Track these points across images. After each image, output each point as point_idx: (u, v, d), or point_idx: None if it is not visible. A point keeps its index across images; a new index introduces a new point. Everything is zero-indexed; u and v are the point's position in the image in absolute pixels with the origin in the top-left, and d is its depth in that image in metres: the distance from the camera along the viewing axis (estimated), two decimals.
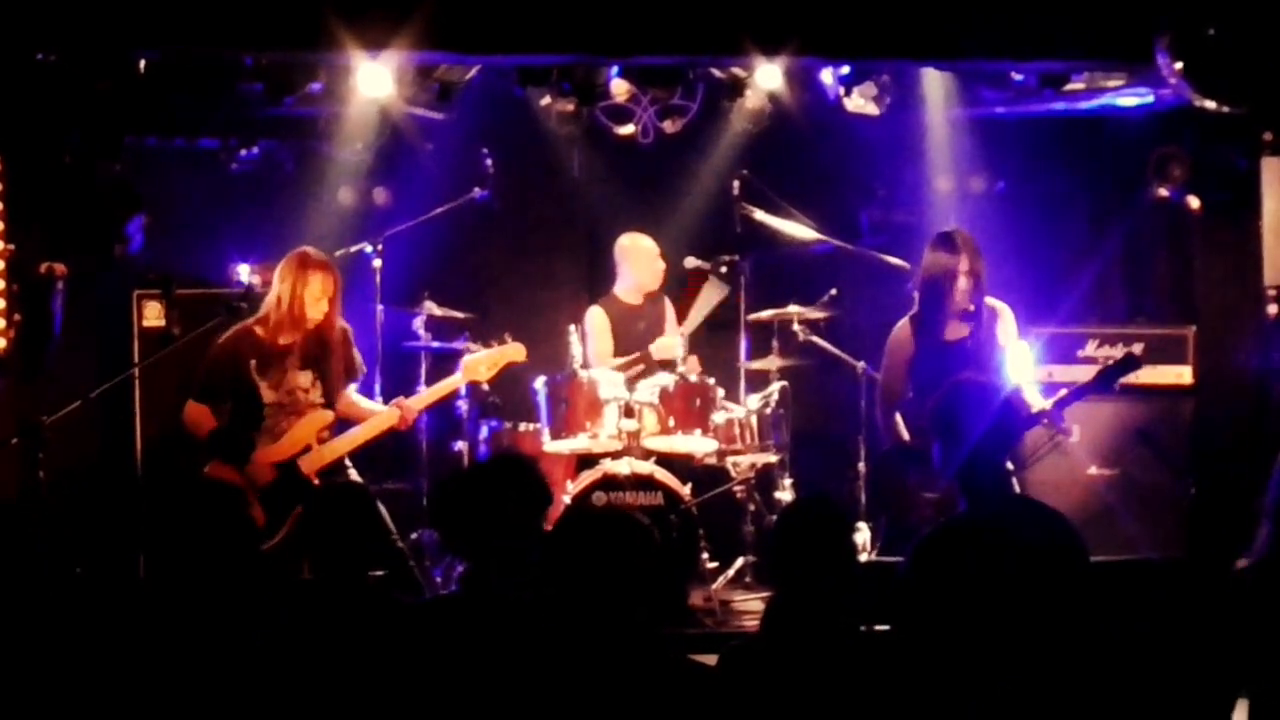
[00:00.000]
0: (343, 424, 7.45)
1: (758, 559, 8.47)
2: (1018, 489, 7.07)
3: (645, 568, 3.96)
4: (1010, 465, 7.06)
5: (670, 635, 7.38)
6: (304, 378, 7.32)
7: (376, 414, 7.47)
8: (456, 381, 7.79)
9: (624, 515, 4.12)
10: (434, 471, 8.51)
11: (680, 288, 9.18)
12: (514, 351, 7.89)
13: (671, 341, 8.68)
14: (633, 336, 8.93)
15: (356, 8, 7.20)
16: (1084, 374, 8.21)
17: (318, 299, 7.27)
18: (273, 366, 7.28)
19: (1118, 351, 8.41)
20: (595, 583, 3.90)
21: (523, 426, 8.43)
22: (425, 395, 7.73)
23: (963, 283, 7.10)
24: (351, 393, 7.53)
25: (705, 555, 8.03)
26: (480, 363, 7.79)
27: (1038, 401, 7.15)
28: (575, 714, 3.83)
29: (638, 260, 8.96)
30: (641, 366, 8.66)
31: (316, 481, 7.20)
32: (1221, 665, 4.67)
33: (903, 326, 7.27)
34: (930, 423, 4.93)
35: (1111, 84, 8.64)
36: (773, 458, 8.64)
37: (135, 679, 4.24)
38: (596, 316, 8.97)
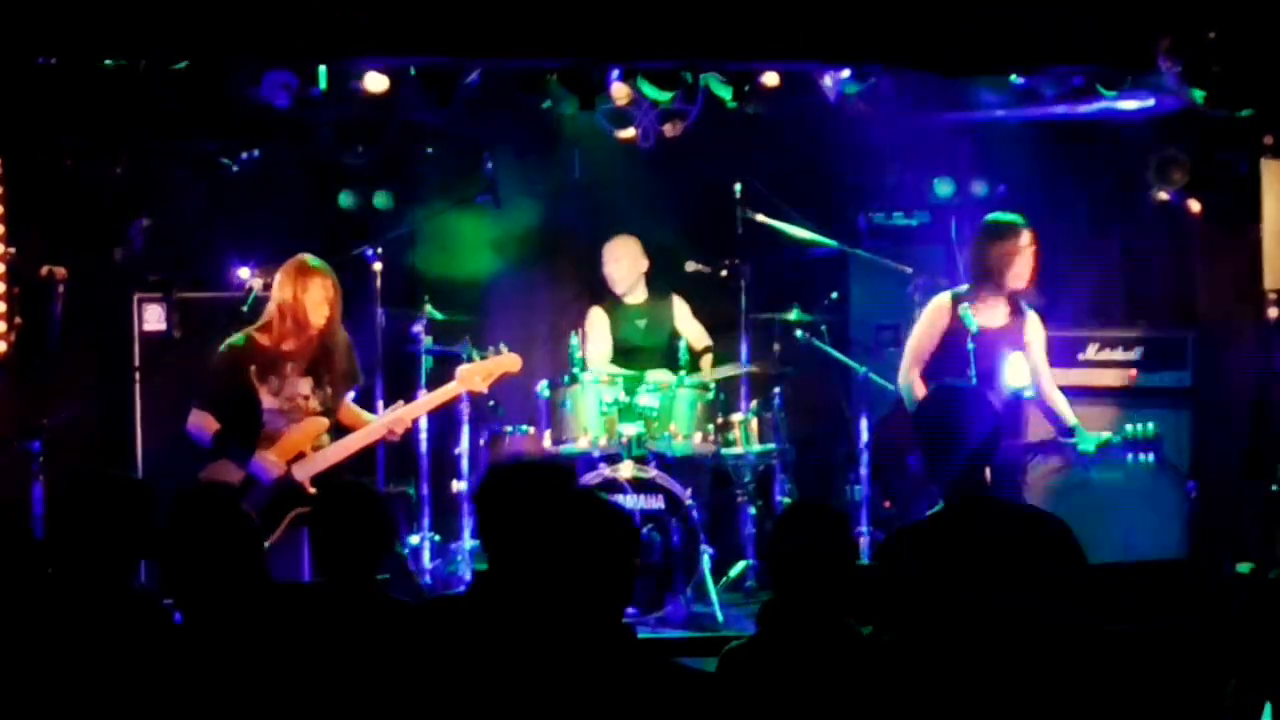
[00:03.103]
0: (340, 431, 7.46)
1: (759, 562, 8.47)
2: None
3: (612, 547, 3.92)
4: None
5: (670, 638, 7.44)
6: (304, 385, 7.35)
7: (368, 425, 7.48)
8: (450, 391, 7.78)
9: (593, 497, 4.09)
10: (434, 475, 8.50)
11: (683, 289, 9.18)
12: (509, 362, 7.88)
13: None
14: (635, 337, 8.94)
15: (357, 10, 7.20)
16: (1083, 377, 8.27)
17: (318, 304, 7.29)
18: (273, 373, 7.30)
19: (1119, 355, 8.45)
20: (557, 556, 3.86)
21: (523, 430, 8.42)
22: (417, 405, 7.73)
23: (1020, 264, 7.53)
24: (348, 401, 7.55)
25: (706, 558, 8.02)
26: (475, 372, 7.78)
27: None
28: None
29: (608, 260, 9.00)
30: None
31: (310, 488, 7.22)
32: (1224, 666, 4.67)
33: (944, 298, 7.63)
34: (914, 428, 4.94)
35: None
36: (774, 461, 8.65)
37: (137, 682, 4.23)
38: (595, 318, 9.00)
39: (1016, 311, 7.72)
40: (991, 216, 7.84)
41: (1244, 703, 4.52)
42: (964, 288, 7.72)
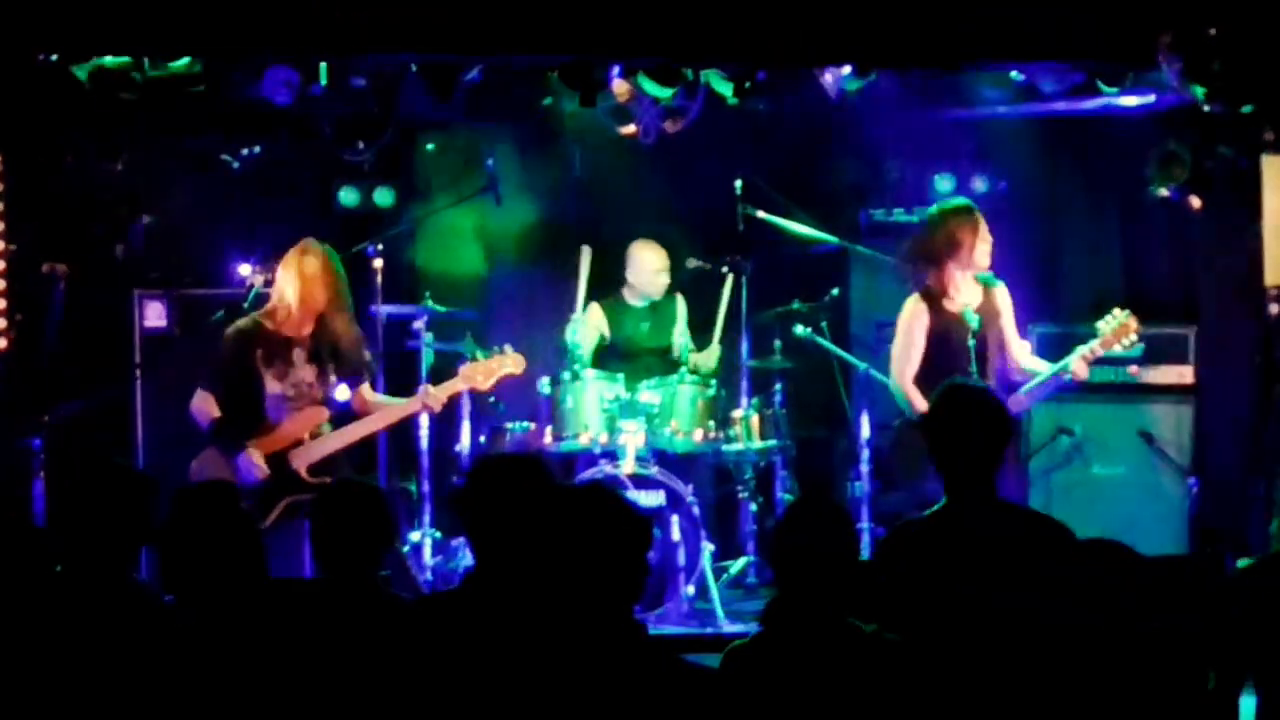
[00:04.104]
0: (342, 420, 7.49)
1: (760, 559, 8.47)
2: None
3: (630, 544, 3.92)
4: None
5: (673, 635, 7.44)
6: (309, 372, 7.40)
7: (398, 405, 7.63)
8: (452, 386, 7.79)
9: (608, 492, 4.09)
10: (435, 471, 8.50)
11: (684, 289, 9.17)
12: (512, 363, 7.88)
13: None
14: (636, 338, 8.94)
15: (357, 7, 7.20)
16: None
17: (314, 275, 7.35)
18: (279, 358, 7.36)
19: (1120, 351, 8.44)
20: (572, 552, 3.86)
21: (524, 426, 8.41)
22: (443, 388, 7.75)
23: (982, 247, 7.47)
24: (367, 390, 7.61)
25: (707, 555, 8.01)
26: (478, 371, 7.79)
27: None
28: (576, 716, 3.83)
29: (636, 269, 8.96)
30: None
31: (306, 476, 7.27)
32: (1224, 661, 4.68)
33: (915, 300, 7.48)
34: (924, 427, 4.93)
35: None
36: (775, 457, 8.65)
37: (137, 679, 4.23)
38: (591, 314, 8.99)
39: (986, 286, 7.59)
40: (941, 203, 7.85)
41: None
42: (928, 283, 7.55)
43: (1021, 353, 7.62)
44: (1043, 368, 7.47)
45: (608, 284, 9.13)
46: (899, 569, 4.68)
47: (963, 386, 5.15)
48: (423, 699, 4.13)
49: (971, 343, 7.27)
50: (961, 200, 7.86)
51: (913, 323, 7.47)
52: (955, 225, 7.49)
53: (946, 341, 7.39)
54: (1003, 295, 7.60)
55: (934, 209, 7.76)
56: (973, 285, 7.52)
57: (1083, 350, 7.36)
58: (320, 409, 7.41)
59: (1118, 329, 7.37)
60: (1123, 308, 7.46)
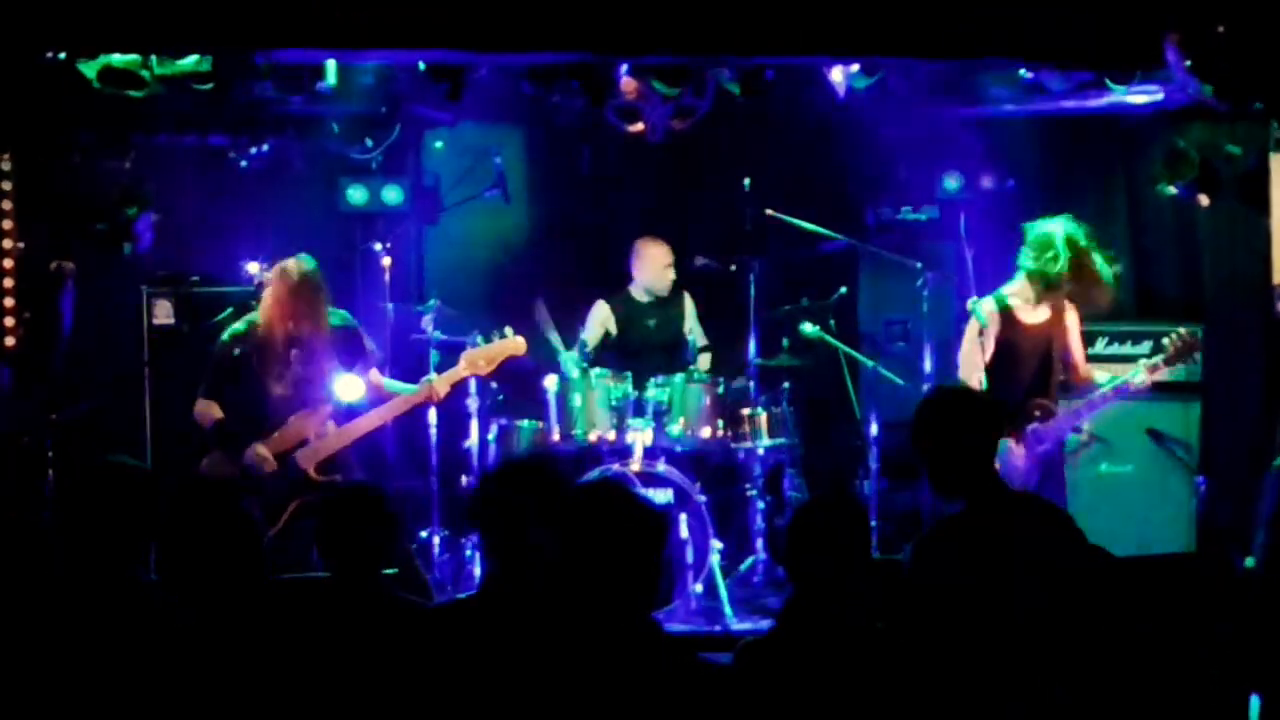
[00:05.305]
0: (348, 415, 7.50)
1: (768, 556, 8.48)
2: None
3: (646, 541, 3.92)
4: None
5: (681, 633, 7.44)
6: (307, 371, 7.39)
7: (404, 394, 7.62)
8: (457, 374, 7.80)
9: (629, 492, 4.09)
10: (443, 470, 8.50)
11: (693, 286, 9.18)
12: (513, 345, 7.90)
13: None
14: (643, 334, 8.95)
15: (364, 5, 7.21)
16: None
17: (281, 308, 7.37)
18: (275, 361, 7.37)
19: (1128, 349, 8.47)
20: (598, 553, 3.87)
21: (532, 424, 8.41)
22: (446, 375, 7.75)
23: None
24: (375, 375, 7.65)
25: (715, 553, 8.02)
26: (480, 356, 7.81)
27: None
28: (591, 715, 3.83)
29: (644, 265, 8.98)
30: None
31: (314, 475, 7.27)
32: (1231, 661, 4.68)
33: (989, 303, 7.49)
34: (913, 439, 4.87)
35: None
36: (783, 456, 8.66)
37: (143, 678, 4.23)
38: (597, 310, 9.01)
39: (1057, 308, 7.59)
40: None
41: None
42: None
43: (1085, 368, 7.66)
44: (1103, 379, 7.51)
45: (614, 281, 9.14)
46: (934, 576, 4.62)
47: (947, 389, 5.16)
48: (438, 700, 4.13)
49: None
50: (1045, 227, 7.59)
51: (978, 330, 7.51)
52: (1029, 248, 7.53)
53: (1012, 349, 7.47)
54: (1070, 314, 7.62)
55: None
56: (1042, 303, 7.54)
57: (1147, 364, 7.43)
58: (323, 407, 7.42)
59: (1181, 346, 7.41)
60: (1182, 320, 7.71)
